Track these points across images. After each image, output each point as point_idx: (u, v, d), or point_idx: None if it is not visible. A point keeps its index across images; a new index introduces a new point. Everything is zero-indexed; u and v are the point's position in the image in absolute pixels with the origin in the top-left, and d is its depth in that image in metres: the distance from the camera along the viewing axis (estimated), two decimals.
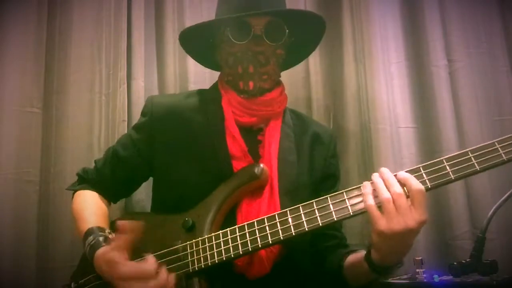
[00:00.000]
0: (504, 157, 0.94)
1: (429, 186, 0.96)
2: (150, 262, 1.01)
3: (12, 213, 1.53)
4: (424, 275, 1.02)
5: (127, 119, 1.58)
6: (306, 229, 1.02)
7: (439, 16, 1.62)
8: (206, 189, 1.17)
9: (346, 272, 1.13)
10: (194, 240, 1.10)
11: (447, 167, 0.97)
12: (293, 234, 1.03)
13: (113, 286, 1.05)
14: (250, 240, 1.05)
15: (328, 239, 1.26)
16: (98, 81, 1.66)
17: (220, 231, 1.09)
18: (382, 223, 0.94)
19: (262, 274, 1.11)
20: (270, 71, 1.25)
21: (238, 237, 1.06)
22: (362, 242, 1.45)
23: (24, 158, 1.57)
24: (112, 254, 1.02)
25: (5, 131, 1.57)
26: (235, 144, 1.20)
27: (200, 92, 1.37)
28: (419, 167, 0.99)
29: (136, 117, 1.37)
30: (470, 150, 0.96)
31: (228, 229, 1.08)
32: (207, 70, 1.52)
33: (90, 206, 1.25)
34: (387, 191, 0.95)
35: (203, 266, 1.07)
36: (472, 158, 0.96)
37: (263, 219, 1.06)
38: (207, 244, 1.08)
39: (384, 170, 1.00)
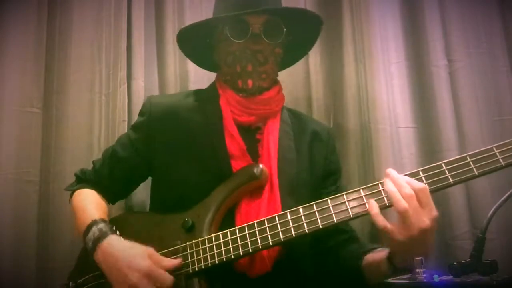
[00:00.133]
0: (502, 162, 0.96)
1: (428, 190, 0.97)
2: (170, 278, 1.03)
3: (12, 213, 1.53)
4: (424, 275, 1.02)
5: (127, 119, 1.58)
6: (307, 231, 1.03)
7: (439, 16, 1.62)
8: (205, 189, 1.17)
9: (365, 271, 1.13)
10: (194, 241, 1.10)
11: (446, 171, 0.98)
12: (293, 235, 1.03)
13: (111, 283, 1.06)
14: (250, 241, 1.05)
15: (339, 234, 1.26)
16: (98, 81, 1.66)
17: (220, 232, 1.09)
18: (400, 234, 0.94)
19: (263, 273, 1.11)
20: (268, 70, 1.25)
21: (238, 238, 1.07)
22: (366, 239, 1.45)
23: (24, 158, 1.57)
24: (133, 247, 1.05)
25: (5, 131, 1.57)
26: (234, 143, 1.21)
27: (198, 92, 1.37)
28: (418, 170, 1.00)
29: (136, 117, 1.37)
30: (468, 154, 0.99)
31: (228, 230, 1.08)
32: None
33: (91, 202, 1.25)
34: (403, 201, 0.95)
35: (203, 266, 1.07)
36: (471, 163, 0.98)
37: (263, 220, 1.07)
38: (207, 245, 1.08)
39: (392, 172, 1.00)
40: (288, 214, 1.05)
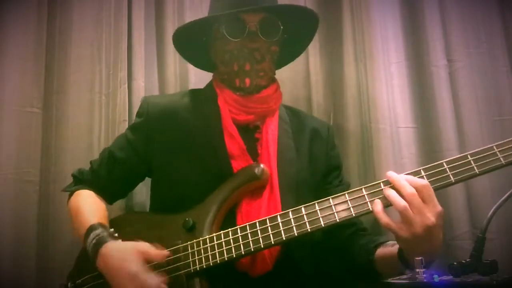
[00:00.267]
0: (503, 161, 0.98)
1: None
2: (154, 277, 1.02)
3: (12, 213, 1.53)
4: (424, 275, 1.02)
5: (127, 119, 1.58)
6: (309, 230, 1.03)
7: (439, 16, 1.62)
8: (206, 189, 1.17)
9: (377, 266, 1.14)
10: (195, 240, 1.10)
11: (448, 170, 0.99)
12: (296, 234, 1.04)
13: (112, 285, 1.06)
14: (252, 240, 1.05)
15: (346, 227, 1.25)
16: (98, 81, 1.65)
17: (222, 232, 1.09)
18: (404, 231, 0.95)
19: (264, 272, 1.11)
20: (266, 68, 1.26)
21: (240, 237, 1.07)
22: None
23: (24, 158, 1.57)
24: (130, 252, 1.05)
25: (5, 131, 1.57)
26: (234, 143, 1.21)
27: (195, 91, 1.37)
28: (420, 169, 1.01)
29: None
30: (469, 153, 1.00)
31: (229, 229, 1.09)
32: None
33: (89, 204, 1.25)
34: (401, 200, 0.95)
35: (204, 266, 1.07)
36: (472, 162, 0.99)
37: (265, 219, 1.07)
38: (208, 244, 1.09)
39: (392, 174, 1.00)
40: (290, 213, 1.06)
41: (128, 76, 1.62)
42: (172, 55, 1.69)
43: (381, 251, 1.14)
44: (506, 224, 1.45)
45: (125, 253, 1.05)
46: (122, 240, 1.12)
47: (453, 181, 0.99)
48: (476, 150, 1.00)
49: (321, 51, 1.69)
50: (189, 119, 1.27)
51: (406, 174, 1.01)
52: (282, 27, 1.25)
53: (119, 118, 1.58)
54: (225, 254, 1.06)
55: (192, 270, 1.08)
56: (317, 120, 1.47)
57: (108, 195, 1.32)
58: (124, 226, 1.21)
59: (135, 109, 1.58)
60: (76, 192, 1.30)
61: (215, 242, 1.08)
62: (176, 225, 1.14)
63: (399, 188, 0.97)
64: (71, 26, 1.69)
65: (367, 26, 1.61)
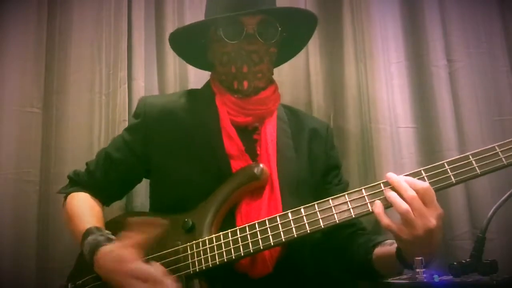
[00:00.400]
0: (505, 161, 0.97)
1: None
2: (158, 267, 1.01)
3: (12, 213, 1.52)
4: (424, 275, 1.02)
5: (127, 119, 1.57)
6: (308, 231, 1.03)
7: (439, 16, 1.62)
8: (205, 189, 1.17)
9: (375, 265, 1.13)
10: (194, 242, 1.10)
11: (449, 171, 0.98)
12: (295, 236, 1.03)
13: (112, 287, 1.05)
14: (251, 241, 1.05)
15: (346, 227, 1.25)
16: (98, 81, 1.65)
17: (221, 233, 1.09)
18: (405, 233, 0.95)
19: (264, 273, 1.11)
20: (264, 70, 1.25)
21: (239, 238, 1.06)
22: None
23: (24, 158, 1.57)
24: (122, 251, 1.02)
25: (5, 131, 1.57)
26: (232, 144, 1.20)
27: (193, 92, 1.37)
28: (421, 170, 1.00)
29: None
30: (471, 154, 0.99)
31: (229, 230, 1.08)
32: None
33: (85, 207, 1.24)
34: (403, 202, 0.95)
35: (204, 267, 1.07)
36: (473, 162, 0.98)
37: (265, 220, 1.06)
38: (207, 245, 1.08)
39: (392, 176, 1.00)
40: (289, 214, 1.05)
41: (128, 76, 1.62)
42: (172, 55, 1.69)
43: (379, 250, 1.13)
44: (506, 224, 1.45)
45: (121, 255, 1.04)
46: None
47: (454, 181, 0.98)
48: (478, 150, 0.99)
49: (321, 51, 1.69)
50: (187, 120, 1.27)
51: (407, 175, 1.01)
52: (280, 29, 1.25)
53: (119, 118, 1.58)
54: (225, 256, 1.06)
55: (191, 272, 1.07)
56: (316, 119, 1.47)
57: (104, 197, 1.31)
58: (123, 227, 1.20)
59: None
60: (71, 194, 1.29)
61: (215, 244, 1.08)
62: (176, 226, 1.14)
63: (400, 191, 0.97)
64: (71, 26, 1.68)
65: (367, 26, 1.61)
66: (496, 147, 0.98)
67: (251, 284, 1.11)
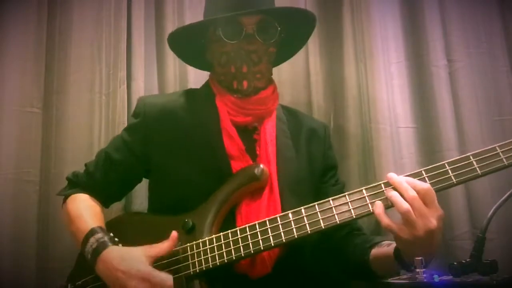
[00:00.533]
0: (505, 162, 0.97)
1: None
2: (167, 275, 1.02)
3: (12, 213, 1.53)
4: (424, 275, 1.02)
5: (127, 119, 1.58)
6: (309, 231, 1.03)
7: (439, 16, 1.62)
8: (205, 190, 1.17)
9: (372, 266, 1.13)
10: (195, 242, 1.10)
11: (449, 171, 0.98)
12: (296, 236, 1.03)
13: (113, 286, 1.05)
14: (252, 242, 1.05)
15: (341, 227, 1.24)
16: (98, 81, 1.65)
17: (221, 233, 1.09)
18: (405, 233, 0.95)
19: (264, 274, 1.11)
20: (263, 70, 1.25)
21: (239, 239, 1.06)
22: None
23: (24, 158, 1.57)
24: (132, 251, 1.05)
25: (5, 131, 1.57)
26: (233, 144, 1.20)
27: (192, 91, 1.37)
28: (421, 170, 1.00)
29: None
30: (471, 154, 0.99)
31: (229, 231, 1.08)
32: None
33: (86, 208, 1.24)
34: (404, 202, 0.95)
35: (204, 268, 1.07)
36: (474, 163, 0.98)
37: (265, 221, 1.06)
38: (208, 246, 1.08)
39: (393, 176, 1.00)
40: (290, 214, 1.05)
41: (127, 76, 1.62)
42: (172, 55, 1.68)
43: (376, 251, 1.14)
44: (506, 224, 1.45)
45: (131, 256, 1.05)
46: (121, 243, 1.11)
47: (455, 182, 0.98)
48: (478, 151, 0.99)
49: (321, 51, 1.69)
50: (187, 119, 1.27)
51: (407, 175, 1.01)
52: (279, 29, 1.25)
53: (119, 118, 1.58)
54: (225, 256, 1.06)
55: (191, 272, 1.07)
56: (314, 119, 1.48)
57: (104, 198, 1.31)
58: (122, 228, 1.20)
59: None
60: (71, 196, 1.29)
61: (215, 244, 1.08)
62: (176, 226, 1.13)
63: (401, 191, 0.97)
64: (71, 26, 1.69)
65: (367, 26, 1.61)
66: (497, 148, 0.98)
67: (251, 285, 1.11)
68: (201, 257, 1.08)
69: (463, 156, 1.00)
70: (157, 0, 1.75)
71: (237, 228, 1.08)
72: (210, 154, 1.21)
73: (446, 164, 1.00)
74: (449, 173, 0.99)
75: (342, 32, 1.66)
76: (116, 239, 1.12)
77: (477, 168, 0.98)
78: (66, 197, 1.30)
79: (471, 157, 0.99)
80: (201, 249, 1.08)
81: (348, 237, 1.25)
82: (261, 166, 1.16)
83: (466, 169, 0.99)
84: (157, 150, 1.26)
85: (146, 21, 1.69)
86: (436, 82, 1.57)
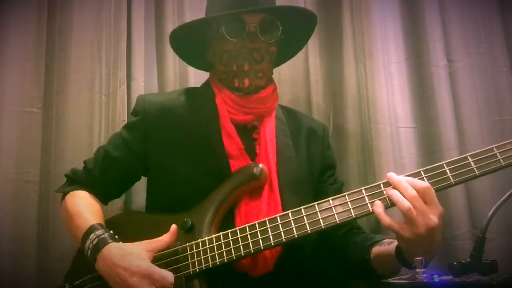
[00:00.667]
0: (503, 163, 0.98)
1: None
2: (168, 273, 1.02)
3: (12, 213, 1.52)
4: (424, 275, 1.02)
5: (127, 119, 1.58)
6: (309, 231, 1.03)
7: (439, 16, 1.61)
8: (204, 189, 1.17)
9: (373, 264, 1.14)
10: (194, 242, 1.10)
11: (448, 172, 0.99)
12: (296, 236, 1.03)
13: (112, 285, 1.05)
14: (251, 242, 1.05)
15: (340, 226, 1.23)
16: (98, 81, 1.65)
17: (221, 233, 1.09)
18: (406, 232, 0.96)
19: (265, 272, 1.11)
20: (264, 69, 1.26)
21: (239, 238, 1.06)
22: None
23: (24, 158, 1.57)
24: (133, 248, 1.05)
25: (5, 131, 1.57)
26: (232, 143, 1.20)
27: (192, 90, 1.37)
28: (420, 170, 1.01)
29: None
30: (469, 155, 1.00)
31: (229, 230, 1.08)
32: None
33: (85, 205, 1.23)
34: (405, 200, 0.96)
35: (204, 267, 1.07)
36: (472, 163, 1.00)
37: (265, 221, 1.06)
38: (207, 246, 1.08)
39: (392, 175, 1.00)
40: (290, 214, 1.06)
41: (127, 76, 1.62)
42: (172, 55, 1.69)
43: (377, 249, 1.14)
44: (506, 224, 1.45)
45: (131, 252, 1.05)
46: (121, 241, 1.11)
47: (453, 182, 1.00)
48: (476, 151, 1.01)
49: (321, 51, 1.69)
50: (186, 117, 1.27)
51: (407, 175, 1.01)
52: (281, 28, 1.25)
53: (119, 118, 1.58)
54: (225, 256, 1.06)
55: (191, 272, 1.07)
56: (313, 119, 1.48)
57: (102, 195, 1.30)
58: (121, 226, 1.20)
59: None
60: (70, 193, 1.28)
61: (215, 244, 1.08)
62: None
63: (401, 190, 0.98)
64: (71, 26, 1.69)
65: (367, 26, 1.61)
66: (494, 149, 0.99)
67: (252, 283, 1.11)
68: (201, 256, 1.08)
69: (461, 156, 1.02)
70: (157, 0, 1.75)
71: (237, 228, 1.08)
72: (209, 153, 1.21)
73: (444, 165, 1.01)
74: (447, 174, 1.00)
75: (342, 32, 1.66)
76: (116, 236, 1.12)
77: (475, 169, 0.99)
78: (65, 194, 1.30)
79: (469, 158, 1.00)
80: (201, 248, 1.08)
81: (347, 235, 1.25)
82: (260, 165, 1.17)
83: (464, 170, 1.00)
84: (156, 148, 1.26)
85: (146, 21, 1.69)
86: (436, 82, 1.57)
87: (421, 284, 0.97)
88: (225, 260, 1.06)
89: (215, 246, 1.07)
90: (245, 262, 1.10)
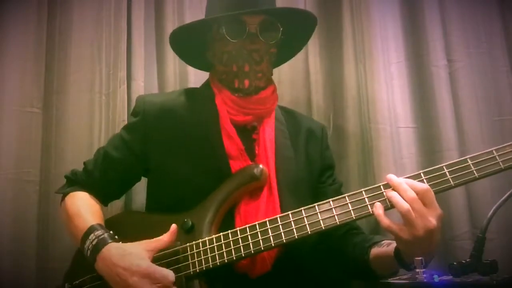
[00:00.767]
0: (502, 166, 0.98)
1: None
2: (169, 272, 1.02)
3: (12, 213, 1.52)
4: (424, 275, 1.02)
5: (127, 119, 1.58)
6: (309, 232, 1.03)
7: (439, 16, 1.61)
8: (204, 189, 1.17)
9: (372, 265, 1.14)
10: (194, 242, 1.10)
11: (447, 174, 1.00)
12: (296, 237, 1.04)
13: (112, 285, 1.05)
14: (252, 242, 1.05)
15: (340, 226, 1.25)
16: (98, 81, 1.65)
17: (221, 233, 1.09)
18: (405, 233, 0.96)
19: (263, 272, 1.11)
20: (264, 69, 1.26)
21: (240, 239, 1.06)
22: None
23: (24, 158, 1.57)
24: (133, 247, 1.05)
25: (5, 131, 1.57)
26: (232, 144, 1.21)
27: (192, 90, 1.37)
28: (420, 172, 1.01)
29: None
30: (469, 157, 1.01)
31: (229, 231, 1.08)
32: None
33: (85, 206, 1.23)
34: (404, 202, 0.96)
35: (204, 268, 1.07)
36: (471, 166, 1.00)
37: (265, 221, 1.07)
38: (208, 246, 1.08)
39: (392, 177, 1.00)
40: (290, 215, 1.06)
41: (127, 76, 1.62)
42: (172, 55, 1.69)
43: (376, 250, 1.14)
44: (506, 224, 1.45)
45: (131, 252, 1.05)
46: (121, 241, 1.11)
47: (452, 185, 1.00)
48: (476, 154, 1.01)
49: (321, 51, 1.69)
50: (186, 118, 1.27)
51: (406, 177, 1.02)
52: (281, 29, 1.25)
53: (119, 118, 1.58)
54: (225, 256, 1.06)
55: (191, 272, 1.07)
56: (312, 120, 1.48)
57: (102, 196, 1.30)
58: (121, 226, 1.20)
59: None
60: (70, 194, 1.28)
61: (215, 244, 1.08)
62: None
63: (400, 192, 0.98)
64: (71, 26, 1.68)
65: (367, 26, 1.61)
66: (494, 151, 1.00)
67: (251, 284, 1.11)
68: (201, 257, 1.08)
69: (461, 159, 1.02)
70: (157, 0, 1.75)
71: (237, 228, 1.08)
72: (209, 153, 1.21)
73: (444, 167, 1.01)
74: (447, 176, 1.01)
75: (342, 32, 1.66)
76: (116, 237, 1.12)
77: (474, 171, 0.99)
78: (65, 195, 1.30)
79: (468, 160, 1.00)
80: (201, 249, 1.08)
81: (346, 236, 1.25)
82: (261, 166, 1.17)
83: (464, 172, 1.00)
84: (156, 149, 1.26)
85: (146, 21, 1.69)
86: (436, 82, 1.57)
87: (421, 284, 0.97)
88: (225, 261, 1.06)
89: (215, 247, 1.07)
90: (244, 263, 1.10)
